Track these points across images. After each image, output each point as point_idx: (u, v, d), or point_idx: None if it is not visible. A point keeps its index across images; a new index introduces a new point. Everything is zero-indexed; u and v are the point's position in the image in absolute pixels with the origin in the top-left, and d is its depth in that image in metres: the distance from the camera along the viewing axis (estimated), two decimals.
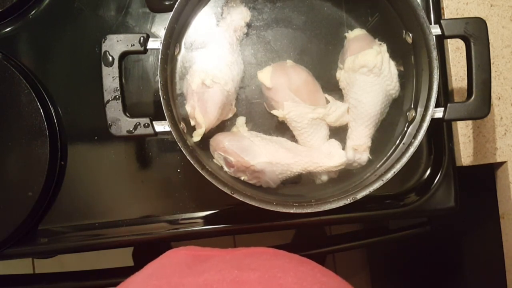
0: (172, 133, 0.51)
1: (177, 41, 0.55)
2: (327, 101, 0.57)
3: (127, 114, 0.52)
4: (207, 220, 0.64)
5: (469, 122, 0.66)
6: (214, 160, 0.55)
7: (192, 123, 0.55)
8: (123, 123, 0.52)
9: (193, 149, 0.54)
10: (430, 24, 0.53)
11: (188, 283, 0.39)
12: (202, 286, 0.39)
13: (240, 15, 0.57)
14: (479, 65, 0.53)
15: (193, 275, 0.41)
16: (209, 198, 0.64)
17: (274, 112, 0.56)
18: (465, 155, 0.66)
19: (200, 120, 0.54)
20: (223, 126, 0.57)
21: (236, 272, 0.40)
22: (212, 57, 0.56)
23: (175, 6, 0.52)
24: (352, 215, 0.64)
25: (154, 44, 0.52)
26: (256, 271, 0.40)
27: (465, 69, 0.56)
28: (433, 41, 0.52)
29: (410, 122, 0.56)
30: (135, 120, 0.52)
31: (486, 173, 0.69)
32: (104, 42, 0.52)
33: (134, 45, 0.52)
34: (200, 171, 0.51)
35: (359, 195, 0.51)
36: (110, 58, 0.51)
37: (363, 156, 0.56)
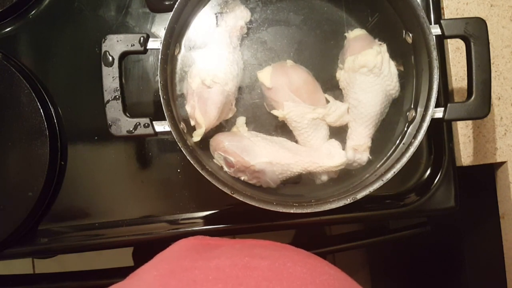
0: (172, 133, 0.51)
1: (177, 41, 0.55)
2: (327, 101, 0.57)
3: (127, 114, 0.52)
4: (207, 220, 0.64)
5: (469, 122, 0.66)
6: (214, 160, 0.55)
7: (192, 123, 0.55)
8: (123, 123, 0.52)
9: (193, 149, 0.54)
10: (430, 24, 0.53)
11: (200, 267, 0.40)
12: (214, 270, 0.39)
13: (240, 15, 0.57)
14: (479, 65, 0.53)
15: (203, 260, 0.41)
16: (209, 198, 0.64)
17: (274, 112, 0.56)
18: (465, 155, 0.66)
19: (200, 120, 0.54)
20: (223, 126, 0.57)
21: (247, 259, 0.40)
22: (212, 57, 0.56)
23: (175, 6, 0.52)
24: (352, 215, 0.64)
25: (154, 44, 0.52)
26: (266, 259, 0.41)
27: (465, 69, 0.56)
28: (433, 41, 0.52)
29: (410, 122, 0.56)
30: (135, 120, 0.52)
31: (486, 173, 0.69)
32: (104, 42, 0.52)
33: (134, 45, 0.52)
34: (200, 171, 0.51)
35: (359, 195, 0.51)
36: (110, 58, 0.51)
37: (363, 156, 0.56)
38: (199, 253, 0.43)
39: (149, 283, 0.39)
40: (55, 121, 0.63)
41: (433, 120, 0.53)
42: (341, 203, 0.51)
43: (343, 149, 0.56)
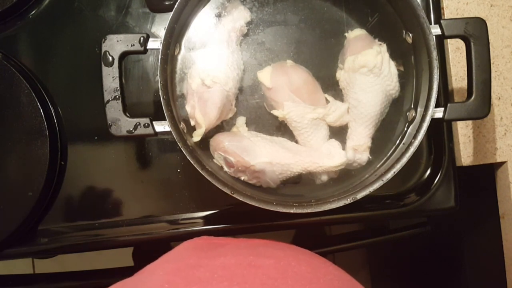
0: (172, 133, 0.51)
1: (177, 41, 0.55)
2: (327, 101, 0.57)
3: (127, 114, 0.52)
4: (207, 220, 0.64)
5: (469, 122, 0.66)
6: (214, 160, 0.55)
7: (192, 123, 0.55)
8: (123, 123, 0.52)
9: (193, 149, 0.54)
10: (430, 24, 0.53)
11: (206, 265, 0.40)
12: (219, 268, 0.39)
13: (240, 15, 0.57)
14: (479, 65, 0.53)
15: (209, 258, 0.41)
16: (209, 198, 0.64)
17: (274, 112, 0.56)
18: (465, 155, 0.66)
19: (200, 120, 0.54)
20: (223, 126, 0.57)
21: (251, 258, 0.40)
22: (212, 57, 0.56)
23: (175, 6, 0.52)
24: (352, 215, 0.64)
25: (154, 44, 0.52)
26: (271, 258, 0.41)
27: (465, 69, 0.56)
28: (433, 41, 0.52)
29: (410, 122, 0.56)
30: (135, 120, 0.52)
31: (486, 173, 0.69)
32: (104, 42, 0.52)
33: (134, 45, 0.52)
34: (200, 171, 0.51)
35: (359, 195, 0.51)
36: (110, 58, 0.51)
37: (363, 156, 0.56)
38: (204, 252, 0.44)
39: (155, 281, 0.39)
40: (55, 121, 0.63)
41: (433, 120, 0.53)
42: (341, 203, 0.51)
43: (343, 149, 0.56)
